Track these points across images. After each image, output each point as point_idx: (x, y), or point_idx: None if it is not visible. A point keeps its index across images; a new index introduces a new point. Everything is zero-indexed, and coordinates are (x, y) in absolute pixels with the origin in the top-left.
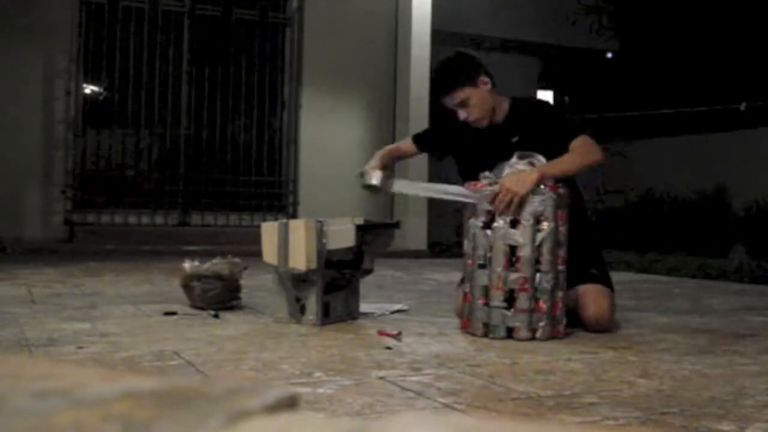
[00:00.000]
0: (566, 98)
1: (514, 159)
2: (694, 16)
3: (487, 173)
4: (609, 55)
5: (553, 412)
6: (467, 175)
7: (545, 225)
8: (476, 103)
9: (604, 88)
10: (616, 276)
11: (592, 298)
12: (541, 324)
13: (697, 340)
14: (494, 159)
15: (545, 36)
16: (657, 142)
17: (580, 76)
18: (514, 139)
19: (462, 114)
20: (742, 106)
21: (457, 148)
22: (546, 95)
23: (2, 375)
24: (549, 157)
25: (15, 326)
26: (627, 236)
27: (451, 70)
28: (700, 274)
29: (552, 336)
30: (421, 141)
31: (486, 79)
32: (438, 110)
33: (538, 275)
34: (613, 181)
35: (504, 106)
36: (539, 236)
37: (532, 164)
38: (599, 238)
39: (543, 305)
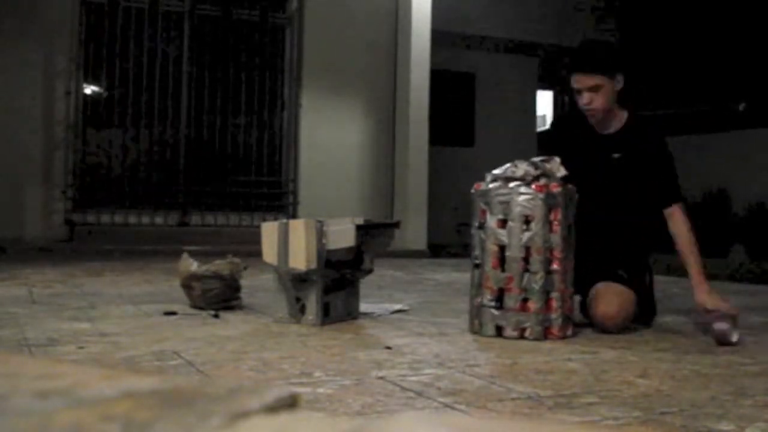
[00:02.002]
0: (566, 98)
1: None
2: (693, 15)
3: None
4: None
5: (552, 412)
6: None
7: (533, 225)
8: (604, 94)
9: None
10: None
11: (604, 297)
12: (528, 324)
13: (697, 340)
14: (593, 168)
15: (545, 36)
16: None
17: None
18: (616, 156)
19: (586, 98)
20: (741, 107)
21: (566, 151)
22: (546, 95)
23: (2, 375)
24: (632, 184)
25: (15, 326)
26: None
27: (601, 53)
28: None
29: (545, 337)
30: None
31: (621, 78)
32: (558, 124)
33: (526, 275)
34: None
35: (621, 116)
36: (526, 236)
37: (537, 167)
38: (646, 240)
39: (532, 305)
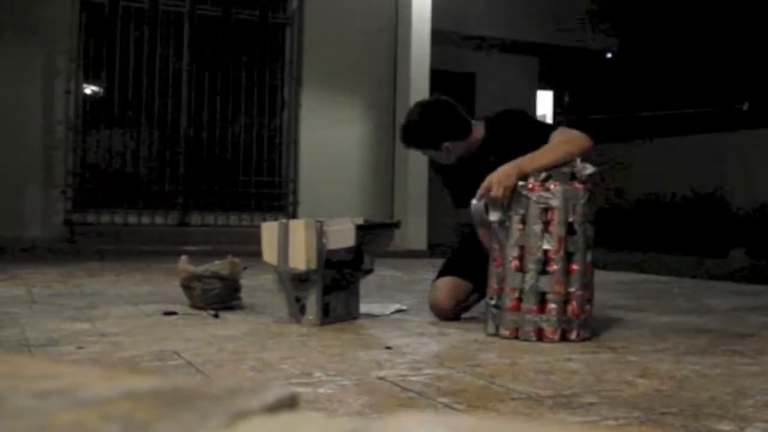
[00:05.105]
0: (566, 98)
1: None
2: (694, 15)
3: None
4: (609, 55)
5: (553, 412)
6: (459, 202)
7: (525, 226)
8: (447, 153)
9: (603, 88)
10: (616, 276)
11: None
12: (520, 324)
13: (697, 340)
14: (479, 182)
15: (545, 36)
16: (657, 142)
17: (580, 76)
18: (492, 158)
19: (442, 159)
20: (745, 106)
21: (447, 179)
22: (546, 95)
23: (2, 375)
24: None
25: (15, 326)
26: (627, 236)
27: (416, 134)
28: (700, 274)
29: (537, 338)
30: (460, 201)
31: (448, 145)
32: (439, 172)
33: (519, 275)
34: (612, 182)
35: (480, 131)
36: (519, 236)
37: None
38: None
39: (523, 305)
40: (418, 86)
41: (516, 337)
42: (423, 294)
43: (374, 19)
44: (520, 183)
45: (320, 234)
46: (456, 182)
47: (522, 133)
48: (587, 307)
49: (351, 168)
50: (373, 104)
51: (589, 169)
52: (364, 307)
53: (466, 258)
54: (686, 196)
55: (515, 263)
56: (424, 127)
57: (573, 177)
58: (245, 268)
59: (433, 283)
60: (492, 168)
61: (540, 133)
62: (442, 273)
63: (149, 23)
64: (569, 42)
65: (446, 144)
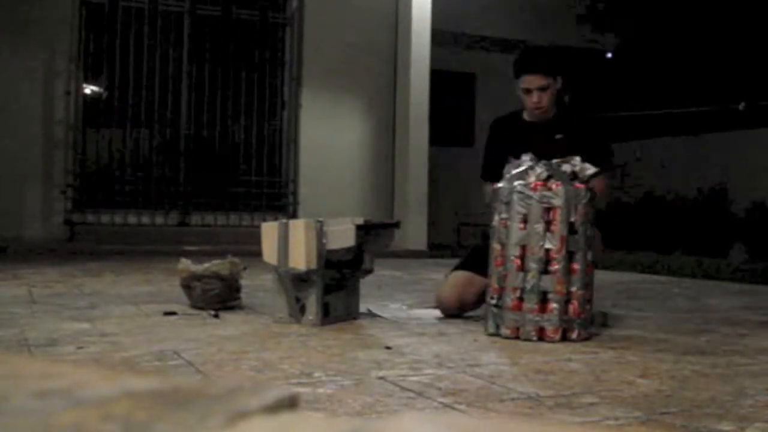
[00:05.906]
0: (566, 98)
1: (555, 160)
2: (693, 15)
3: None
4: (609, 55)
5: (553, 412)
6: (488, 172)
7: (528, 224)
8: (550, 94)
9: (603, 87)
10: (616, 276)
11: None
12: (521, 323)
13: (697, 340)
14: (538, 151)
15: (545, 36)
16: (657, 142)
17: (580, 76)
18: (558, 137)
19: (535, 98)
20: (741, 106)
21: (508, 147)
22: None
23: (2, 375)
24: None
25: (15, 326)
26: (627, 236)
27: (550, 56)
28: (700, 274)
29: (538, 338)
30: (489, 173)
31: (559, 80)
32: (496, 124)
33: (521, 275)
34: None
35: (553, 108)
36: (521, 235)
37: (550, 167)
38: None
39: (524, 305)
40: (418, 86)
41: (517, 337)
42: (423, 294)
43: (374, 20)
44: (521, 182)
45: (320, 234)
46: (504, 147)
47: (593, 141)
48: (587, 306)
49: (351, 168)
50: (373, 104)
51: (591, 169)
52: (363, 307)
53: (484, 254)
54: (686, 196)
55: (517, 262)
56: (559, 53)
57: (574, 177)
58: (245, 268)
59: (445, 278)
60: (556, 143)
61: (600, 153)
62: (456, 267)
63: (149, 23)
64: (569, 42)
65: (559, 78)
